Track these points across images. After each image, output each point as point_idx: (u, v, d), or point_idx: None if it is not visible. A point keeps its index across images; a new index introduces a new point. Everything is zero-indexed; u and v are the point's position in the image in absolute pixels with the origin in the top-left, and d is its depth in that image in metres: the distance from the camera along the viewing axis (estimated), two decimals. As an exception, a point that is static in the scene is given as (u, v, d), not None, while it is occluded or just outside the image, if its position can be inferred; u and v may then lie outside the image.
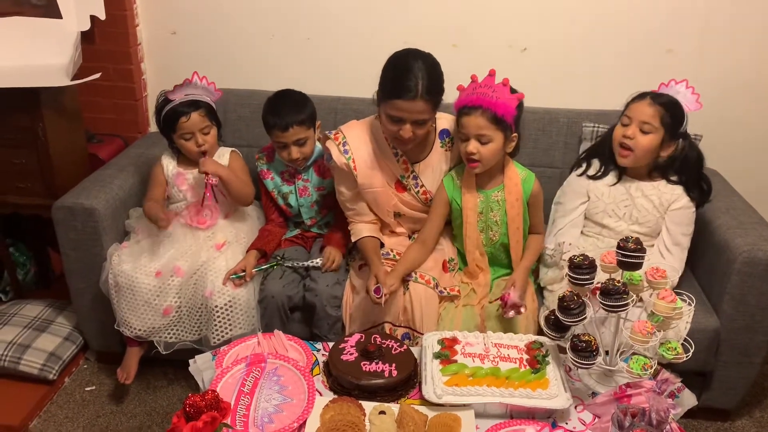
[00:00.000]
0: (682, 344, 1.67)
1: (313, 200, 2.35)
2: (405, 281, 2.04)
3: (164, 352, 2.22)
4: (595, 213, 2.20)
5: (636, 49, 2.60)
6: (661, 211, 2.14)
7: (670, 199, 2.13)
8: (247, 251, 2.24)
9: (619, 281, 1.59)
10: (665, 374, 1.52)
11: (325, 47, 2.70)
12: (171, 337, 2.20)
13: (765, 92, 2.61)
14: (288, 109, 2.20)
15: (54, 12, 2.44)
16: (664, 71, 2.35)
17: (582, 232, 2.23)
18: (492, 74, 1.97)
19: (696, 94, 2.12)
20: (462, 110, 1.99)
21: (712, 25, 2.54)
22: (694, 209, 2.15)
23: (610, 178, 2.19)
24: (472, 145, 1.98)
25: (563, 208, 2.22)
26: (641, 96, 2.12)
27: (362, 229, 2.16)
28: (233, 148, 2.39)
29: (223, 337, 2.14)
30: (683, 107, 2.10)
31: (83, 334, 2.45)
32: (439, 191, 2.14)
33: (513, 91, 1.96)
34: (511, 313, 1.97)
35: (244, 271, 2.17)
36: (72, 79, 2.36)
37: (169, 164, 2.29)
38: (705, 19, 2.53)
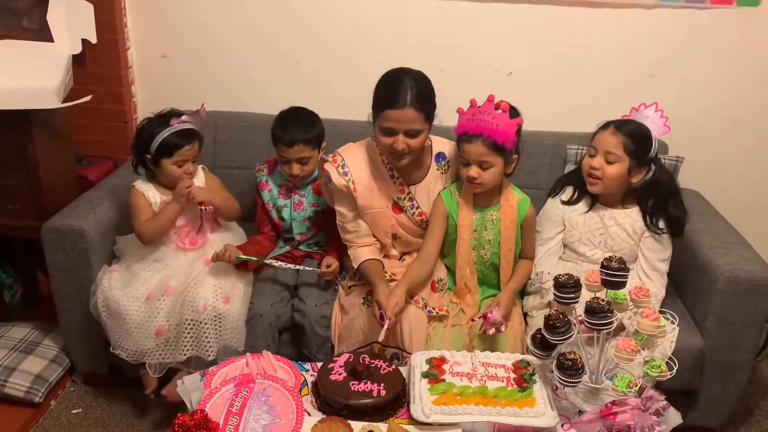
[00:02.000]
0: (667, 362, 1.69)
1: (307, 216, 2.37)
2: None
3: (155, 375, 2.22)
4: (572, 241, 2.23)
5: (619, 74, 2.66)
6: (635, 239, 2.17)
7: (643, 227, 2.16)
8: None
9: (603, 300, 1.61)
10: (650, 392, 1.54)
11: (315, 70, 2.74)
12: (165, 357, 2.19)
13: (745, 115, 2.68)
14: (296, 126, 2.25)
15: (46, 35, 2.46)
16: (646, 95, 2.40)
17: (561, 258, 2.27)
18: (491, 100, 1.99)
19: (665, 118, 2.13)
20: (463, 137, 2.03)
21: (693, 50, 2.61)
22: (667, 234, 2.16)
23: (583, 205, 2.22)
24: (474, 171, 2.02)
25: (541, 237, 2.25)
26: (605, 125, 2.13)
27: (362, 252, 2.16)
28: (201, 165, 2.39)
29: (214, 350, 2.14)
30: (651, 132, 2.11)
31: (70, 356, 2.44)
32: (437, 204, 2.16)
33: (513, 112, 2.00)
34: (491, 331, 2.00)
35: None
36: (63, 102, 2.38)
37: (148, 191, 2.27)
38: (686, 44, 2.60)
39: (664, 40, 2.60)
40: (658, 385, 1.86)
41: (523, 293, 2.27)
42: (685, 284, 2.29)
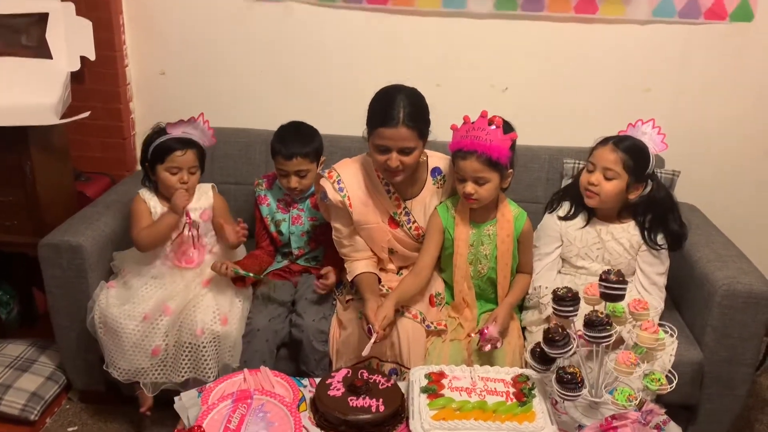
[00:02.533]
0: (666, 376, 1.69)
1: (305, 230, 2.38)
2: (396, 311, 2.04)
3: (151, 394, 2.20)
4: (570, 256, 2.23)
5: (614, 89, 2.68)
6: (632, 253, 2.17)
7: (640, 241, 2.16)
8: None
9: (602, 312, 1.61)
10: (650, 405, 1.53)
11: (313, 86, 2.75)
12: (160, 378, 2.17)
13: (740, 128, 2.70)
14: (295, 139, 2.27)
15: (45, 52, 2.47)
16: (642, 110, 2.44)
17: (560, 272, 2.26)
18: (484, 116, 2.00)
19: (662, 134, 2.14)
20: (457, 153, 2.04)
21: (688, 65, 2.63)
22: (665, 249, 2.17)
23: (580, 220, 2.22)
24: (470, 187, 2.03)
25: (538, 252, 2.25)
26: (604, 141, 2.14)
27: (358, 266, 2.16)
28: (212, 184, 2.41)
29: (213, 372, 2.13)
30: (648, 149, 2.11)
31: (66, 374, 2.42)
32: (433, 218, 2.16)
33: (507, 126, 2.01)
34: (488, 347, 1.99)
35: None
36: (61, 118, 2.39)
37: (150, 200, 2.29)
38: (681, 59, 2.62)
39: (659, 55, 2.62)
40: (659, 399, 1.86)
41: (521, 308, 2.27)
42: (683, 298, 2.29)
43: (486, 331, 2.00)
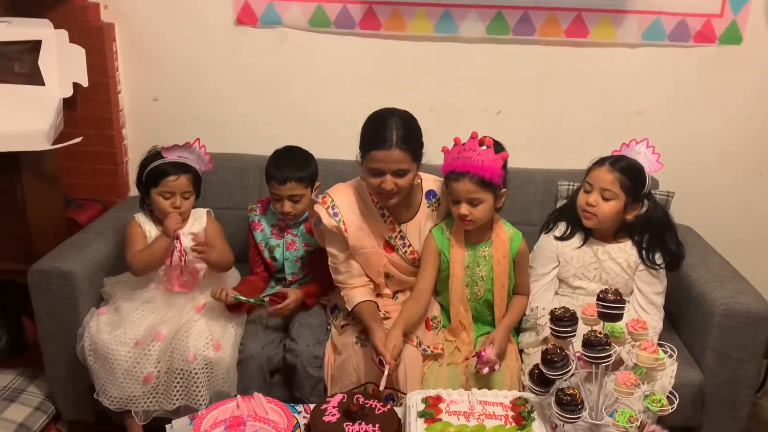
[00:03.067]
0: (667, 397, 1.66)
1: (299, 255, 2.35)
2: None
3: (142, 423, 2.15)
4: (567, 276, 2.22)
5: (607, 111, 2.69)
6: (630, 273, 2.16)
7: (637, 260, 2.15)
8: None
9: (600, 332, 1.59)
10: (652, 427, 1.50)
11: (307, 111, 2.75)
12: (151, 406, 2.13)
13: (732, 149, 2.71)
14: (290, 164, 2.27)
15: (37, 79, 2.46)
16: (634, 132, 2.42)
17: (557, 292, 2.25)
18: (474, 137, 2.00)
19: (656, 154, 2.14)
20: (450, 175, 2.03)
21: (679, 87, 2.65)
22: (663, 268, 2.16)
23: (576, 240, 2.21)
24: (464, 208, 2.02)
25: (535, 273, 2.24)
26: (600, 162, 2.14)
27: (355, 294, 2.13)
28: (207, 209, 2.39)
29: (206, 399, 2.09)
30: (644, 169, 2.12)
31: (55, 404, 2.36)
32: (428, 241, 2.15)
33: (498, 146, 2.01)
34: (485, 370, 1.97)
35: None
36: (53, 144, 2.37)
37: (145, 224, 2.28)
38: (671, 81, 2.64)
39: (650, 78, 2.64)
40: (660, 421, 1.84)
41: (518, 330, 2.24)
42: (681, 319, 2.27)
43: (483, 353, 1.97)
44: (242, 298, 2.17)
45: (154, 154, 2.24)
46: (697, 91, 2.65)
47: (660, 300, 2.14)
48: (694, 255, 2.34)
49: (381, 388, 1.86)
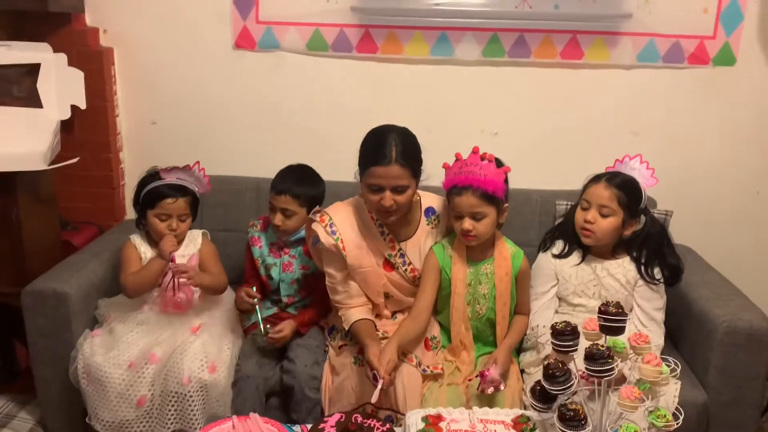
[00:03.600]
0: (673, 413, 1.62)
1: (295, 277, 2.32)
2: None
3: (135, 449, 2.11)
4: (566, 294, 2.20)
5: (603, 133, 2.70)
6: (629, 289, 2.14)
7: (636, 276, 2.14)
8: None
9: (603, 345, 1.56)
10: (657, 441, 1.47)
11: (304, 134, 2.76)
12: (145, 429, 2.08)
13: (729, 170, 2.72)
14: (293, 178, 2.27)
15: (35, 102, 2.47)
16: (631, 152, 2.42)
17: (557, 311, 2.22)
18: (476, 152, 2.01)
19: (651, 169, 2.13)
20: (452, 190, 2.02)
21: (674, 109, 2.67)
22: (662, 283, 2.14)
23: (574, 257, 2.20)
24: (468, 223, 2.00)
25: (534, 292, 2.22)
26: (596, 179, 2.14)
27: (353, 313, 2.10)
28: (203, 230, 2.38)
29: (200, 422, 2.04)
30: (640, 184, 2.12)
31: (47, 429, 2.31)
32: (429, 258, 2.12)
33: (499, 163, 2.01)
34: (490, 390, 1.93)
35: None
36: (49, 165, 2.37)
37: (141, 245, 2.26)
38: (667, 102, 2.66)
39: (645, 99, 2.67)
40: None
41: (519, 350, 2.21)
42: (683, 337, 2.24)
43: (487, 373, 1.94)
44: (260, 316, 2.18)
45: (152, 175, 2.24)
46: (693, 112, 2.67)
47: (660, 316, 2.12)
48: (695, 274, 2.32)
49: (373, 401, 1.82)
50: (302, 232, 2.28)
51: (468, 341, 2.11)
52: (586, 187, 2.16)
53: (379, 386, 1.82)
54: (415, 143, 2.04)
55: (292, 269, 2.33)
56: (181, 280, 2.14)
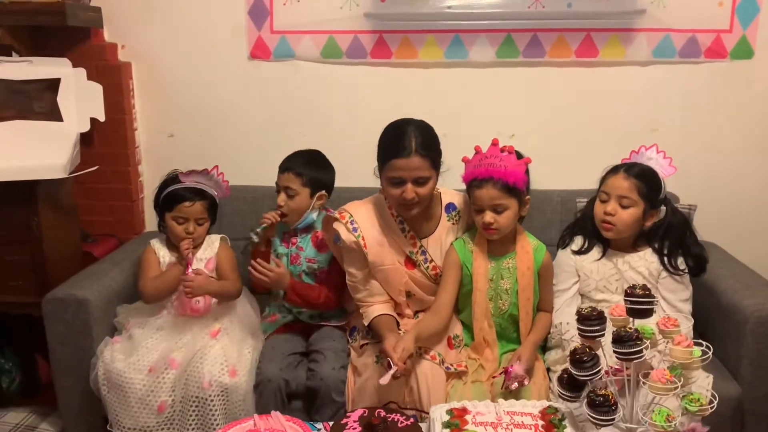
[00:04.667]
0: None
1: (303, 270, 2.28)
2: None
3: (157, 454, 2.08)
4: (588, 290, 2.16)
5: (622, 131, 2.67)
6: (653, 282, 2.10)
7: (659, 268, 2.10)
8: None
9: (631, 327, 1.52)
10: (692, 424, 1.41)
11: (320, 141, 2.71)
12: None
13: (752, 164, 2.68)
14: (301, 158, 2.27)
15: (56, 116, 2.50)
16: (651, 149, 2.41)
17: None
18: (495, 143, 2.00)
19: (668, 158, 2.11)
20: (472, 183, 2.00)
21: (693, 104, 2.64)
22: (687, 274, 2.10)
23: (595, 253, 2.17)
24: (489, 216, 1.98)
25: (556, 289, 2.18)
26: (614, 170, 2.12)
27: (375, 309, 2.08)
28: (222, 235, 2.38)
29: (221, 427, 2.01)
30: (659, 174, 2.09)
31: (68, 440, 2.30)
32: (449, 254, 2.10)
33: (518, 155, 1.99)
34: (514, 386, 1.89)
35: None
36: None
37: (160, 250, 2.27)
38: (685, 98, 2.63)
39: (663, 95, 2.64)
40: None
41: (544, 348, 2.17)
42: (712, 331, 2.17)
43: (511, 369, 1.90)
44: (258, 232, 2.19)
45: (173, 178, 2.25)
46: (712, 107, 2.63)
47: (687, 307, 2.07)
48: (721, 267, 2.27)
49: (382, 382, 1.79)
50: (309, 218, 2.26)
51: (491, 338, 2.07)
52: (603, 179, 2.13)
53: (392, 371, 1.79)
54: (433, 134, 2.04)
55: (300, 261, 2.29)
56: (189, 296, 2.12)
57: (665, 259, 2.08)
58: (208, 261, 2.26)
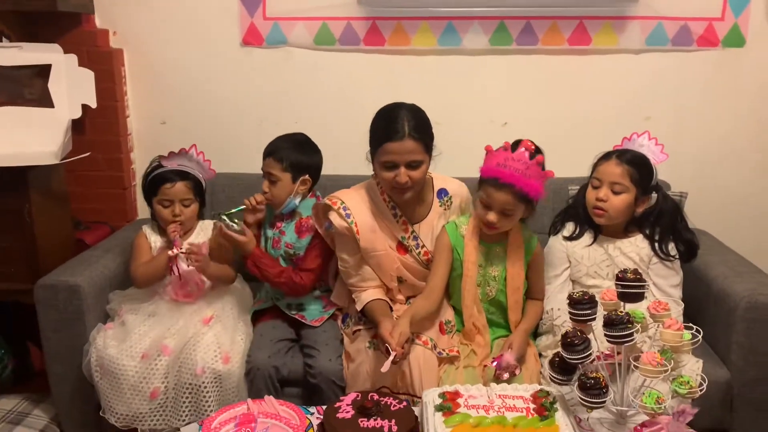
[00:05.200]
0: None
1: (280, 254, 2.27)
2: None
3: (148, 440, 2.09)
4: (579, 276, 2.17)
5: (615, 119, 2.68)
6: (643, 267, 2.11)
7: (649, 254, 2.11)
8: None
9: (622, 311, 1.53)
10: (681, 406, 1.42)
11: (312, 128, 2.69)
12: (158, 424, 2.06)
13: (743, 152, 2.70)
14: (285, 142, 2.24)
15: (47, 102, 2.49)
16: (643, 137, 2.42)
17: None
18: (527, 147, 1.92)
19: (660, 145, 2.12)
20: (490, 181, 1.94)
21: (685, 92, 2.66)
22: (677, 259, 2.11)
23: (587, 238, 2.18)
24: (494, 216, 1.96)
25: (547, 275, 2.19)
26: (606, 156, 2.12)
27: (368, 294, 2.09)
28: (216, 221, 2.35)
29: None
30: (650, 160, 2.10)
31: (61, 426, 2.29)
32: (441, 237, 2.10)
33: (537, 150, 1.96)
34: (505, 376, 1.90)
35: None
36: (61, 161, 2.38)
37: (151, 235, 2.26)
38: (677, 85, 2.65)
39: (655, 83, 2.65)
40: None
41: (535, 334, 2.18)
42: (702, 317, 2.18)
43: (499, 359, 1.91)
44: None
45: (157, 164, 2.24)
46: (704, 95, 2.65)
47: (677, 293, 2.08)
48: (712, 254, 2.29)
49: (383, 370, 1.79)
50: (292, 204, 2.24)
51: (481, 324, 2.07)
52: (595, 165, 2.14)
53: (391, 357, 1.80)
54: (425, 118, 2.04)
55: (279, 246, 2.28)
56: (190, 262, 2.13)
57: (656, 245, 2.09)
58: (202, 245, 2.25)
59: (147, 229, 2.28)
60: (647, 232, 2.12)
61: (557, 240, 2.21)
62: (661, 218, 2.11)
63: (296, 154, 2.22)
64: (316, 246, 2.22)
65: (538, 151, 1.98)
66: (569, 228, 2.20)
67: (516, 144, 1.96)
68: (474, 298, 2.06)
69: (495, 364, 1.94)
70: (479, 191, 2.01)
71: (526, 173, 1.89)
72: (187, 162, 2.23)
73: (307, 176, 2.24)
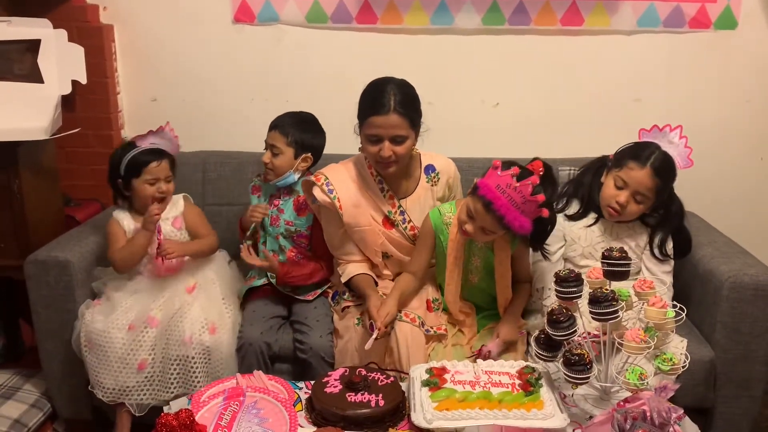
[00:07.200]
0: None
1: (280, 232, 2.29)
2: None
3: (138, 414, 2.10)
4: (573, 256, 2.18)
5: (605, 100, 2.69)
6: (638, 252, 2.13)
7: (646, 240, 2.13)
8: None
9: (607, 288, 1.55)
10: (663, 382, 1.45)
11: (304, 107, 2.67)
12: (146, 398, 2.08)
13: (733, 134, 2.71)
14: (291, 118, 2.27)
15: (36, 77, 2.47)
16: (633, 119, 2.42)
17: None
18: (534, 181, 1.79)
19: (689, 148, 2.06)
20: (483, 200, 1.82)
21: (676, 74, 2.66)
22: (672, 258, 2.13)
23: (588, 219, 2.18)
24: (472, 228, 1.88)
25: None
26: (641, 161, 2.00)
27: (353, 268, 2.11)
28: (184, 194, 2.37)
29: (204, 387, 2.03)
30: (675, 167, 2.05)
31: (52, 401, 2.31)
32: (424, 224, 2.10)
33: (548, 170, 1.92)
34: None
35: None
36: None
37: (123, 220, 2.24)
38: (668, 68, 2.65)
39: (647, 65, 2.65)
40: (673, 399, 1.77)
41: (524, 313, 2.19)
42: (688, 297, 2.21)
43: (480, 351, 1.93)
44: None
45: (126, 146, 2.23)
46: (695, 77, 2.65)
47: (669, 279, 2.11)
48: (699, 235, 2.31)
49: (366, 348, 1.82)
50: (290, 177, 2.25)
51: (467, 308, 2.10)
52: (625, 163, 2.03)
53: (374, 335, 1.82)
54: (413, 94, 2.04)
55: (278, 223, 2.29)
56: (168, 258, 2.14)
57: (655, 242, 2.10)
58: (175, 219, 2.26)
59: (119, 215, 2.25)
60: (648, 222, 2.12)
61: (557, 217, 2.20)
62: (668, 220, 2.11)
63: (303, 132, 2.25)
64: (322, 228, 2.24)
65: (547, 172, 1.89)
66: (574, 206, 2.19)
67: (525, 172, 1.83)
68: (455, 290, 2.06)
69: (473, 357, 1.95)
70: (469, 196, 1.91)
71: (521, 207, 1.79)
72: (159, 140, 2.23)
73: (309, 155, 2.25)
